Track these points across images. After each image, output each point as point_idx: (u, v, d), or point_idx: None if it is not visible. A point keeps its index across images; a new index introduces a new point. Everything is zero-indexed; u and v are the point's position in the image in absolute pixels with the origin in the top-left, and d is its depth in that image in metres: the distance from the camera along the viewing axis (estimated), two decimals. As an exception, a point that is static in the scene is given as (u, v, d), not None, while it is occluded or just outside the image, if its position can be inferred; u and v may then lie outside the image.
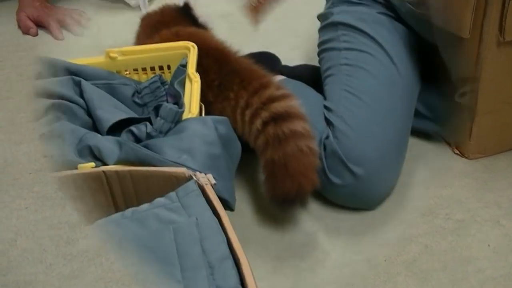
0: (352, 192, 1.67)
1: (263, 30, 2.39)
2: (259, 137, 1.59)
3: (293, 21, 2.44)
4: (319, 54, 1.95)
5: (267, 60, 2.09)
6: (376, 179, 1.67)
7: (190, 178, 1.22)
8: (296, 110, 1.61)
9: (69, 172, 1.29)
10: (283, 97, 1.63)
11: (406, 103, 1.79)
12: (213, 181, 1.21)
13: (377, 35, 1.81)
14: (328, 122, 1.73)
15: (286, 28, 2.41)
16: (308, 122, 1.61)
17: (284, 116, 1.58)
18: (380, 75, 1.77)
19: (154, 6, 2.58)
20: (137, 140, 1.46)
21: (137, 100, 1.67)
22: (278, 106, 1.59)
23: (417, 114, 1.86)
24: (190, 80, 1.58)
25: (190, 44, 1.69)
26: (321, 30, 1.97)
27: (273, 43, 2.32)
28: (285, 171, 1.56)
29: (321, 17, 1.99)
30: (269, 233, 1.68)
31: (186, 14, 2.04)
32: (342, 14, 1.90)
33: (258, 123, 1.59)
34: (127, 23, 2.52)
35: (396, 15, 1.85)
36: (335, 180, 1.66)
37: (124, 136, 1.48)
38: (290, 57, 2.19)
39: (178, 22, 1.97)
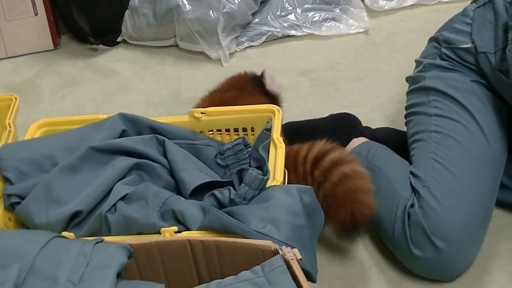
0: (432, 264, 1.64)
1: (343, 89, 2.39)
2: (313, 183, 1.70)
3: (374, 81, 2.42)
4: (406, 116, 1.92)
5: (348, 122, 2.08)
6: (458, 254, 1.64)
7: (276, 252, 1.21)
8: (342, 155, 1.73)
9: (154, 238, 1.29)
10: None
11: (494, 176, 1.75)
12: (299, 257, 1.19)
13: (469, 104, 1.78)
14: (414, 189, 1.70)
15: (367, 88, 2.39)
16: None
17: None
18: (470, 146, 1.73)
19: (235, 60, 2.61)
20: (220, 204, 1.45)
21: (219, 161, 1.67)
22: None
23: (500, 185, 1.81)
24: (275, 146, 1.57)
25: (275, 108, 1.68)
26: (410, 93, 1.94)
27: (353, 103, 2.30)
28: (335, 201, 1.67)
29: (410, 79, 1.96)
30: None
31: (256, 81, 2.09)
32: (435, 79, 1.86)
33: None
34: (207, 76, 2.54)
35: (488, 82, 1.82)
36: (416, 251, 1.64)
37: (207, 200, 1.47)
38: (371, 119, 2.17)
39: (244, 87, 2.04)
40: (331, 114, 2.11)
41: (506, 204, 1.86)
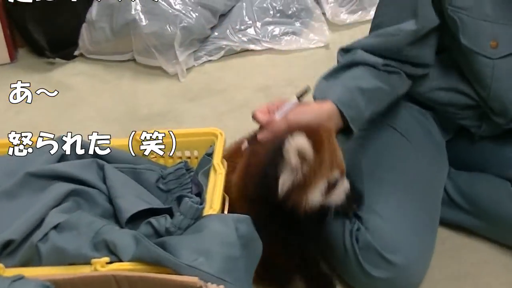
0: (390, 283, 1.62)
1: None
2: None
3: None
4: None
5: None
6: (412, 266, 1.62)
7: (202, 288, 1.18)
8: None
9: (77, 274, 1.26)
10: None
11: (433, 182, 1.76)
12: (225, 292, 1.17)
13: (392, 121, 1.81)
14: (355, 214, 1.68)
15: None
16: None
17: None
18: (400, 160, 1.75)
19: (193, 74, 2.59)
20: (156, 232, 1.42)
21: (161, 186, 1.64)
22: None
23: (453, 205, 1.81)
24: (215, 172, 1.53)
25: (218, 131, 1.65)
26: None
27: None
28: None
29: None
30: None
31: None
32: None
33: None
34: (164, 92, 2.52)
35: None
36: (373, 272, 1.61)
37: (143, 228, 1.44)
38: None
39: None
40: None
41: (459, 226, 1.85)
